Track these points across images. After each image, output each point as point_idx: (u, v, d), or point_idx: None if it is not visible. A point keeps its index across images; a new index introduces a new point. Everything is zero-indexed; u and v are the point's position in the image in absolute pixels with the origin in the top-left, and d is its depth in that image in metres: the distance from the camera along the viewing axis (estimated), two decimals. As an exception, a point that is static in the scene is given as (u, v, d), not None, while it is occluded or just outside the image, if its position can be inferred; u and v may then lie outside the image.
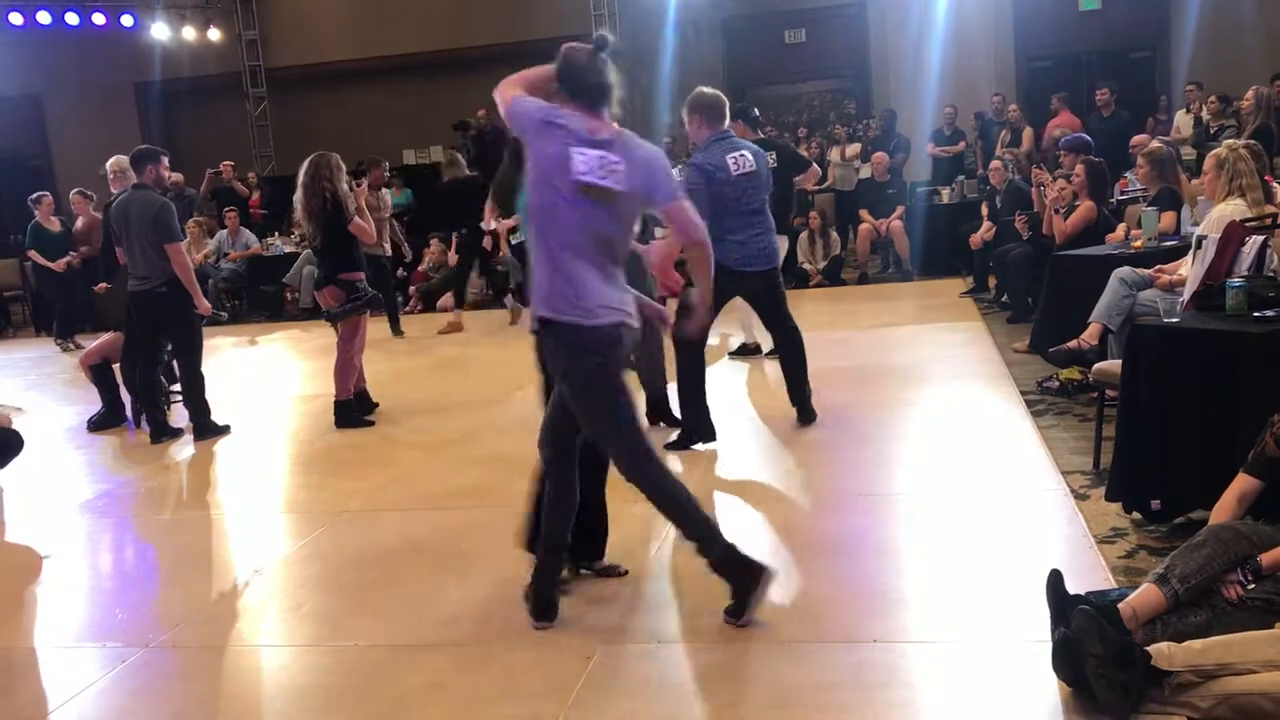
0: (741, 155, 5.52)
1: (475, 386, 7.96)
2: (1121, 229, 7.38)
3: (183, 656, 3.70)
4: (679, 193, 3.41)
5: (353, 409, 6.86)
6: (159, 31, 16.36)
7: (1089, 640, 2.73)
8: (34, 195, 12.08)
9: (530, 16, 15.78)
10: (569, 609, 3.67)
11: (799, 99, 17.00)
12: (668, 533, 4.38)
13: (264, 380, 9.24)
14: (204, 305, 6.79)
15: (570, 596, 3.75)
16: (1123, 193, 9.00)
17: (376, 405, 7.12)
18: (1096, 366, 4.94)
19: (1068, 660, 2.80)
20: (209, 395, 6.90)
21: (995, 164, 10.61)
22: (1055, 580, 2.97)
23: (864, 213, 11.82)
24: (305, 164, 6.66)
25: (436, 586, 3.79)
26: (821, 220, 11.70)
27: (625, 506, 3.86)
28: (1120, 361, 4.27)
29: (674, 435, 5.64)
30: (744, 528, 3.79)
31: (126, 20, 16.26)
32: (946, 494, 4.65)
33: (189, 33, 16.62)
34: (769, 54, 16.22)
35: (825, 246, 11.76)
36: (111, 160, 7.55)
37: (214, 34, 16.83)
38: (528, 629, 3.57)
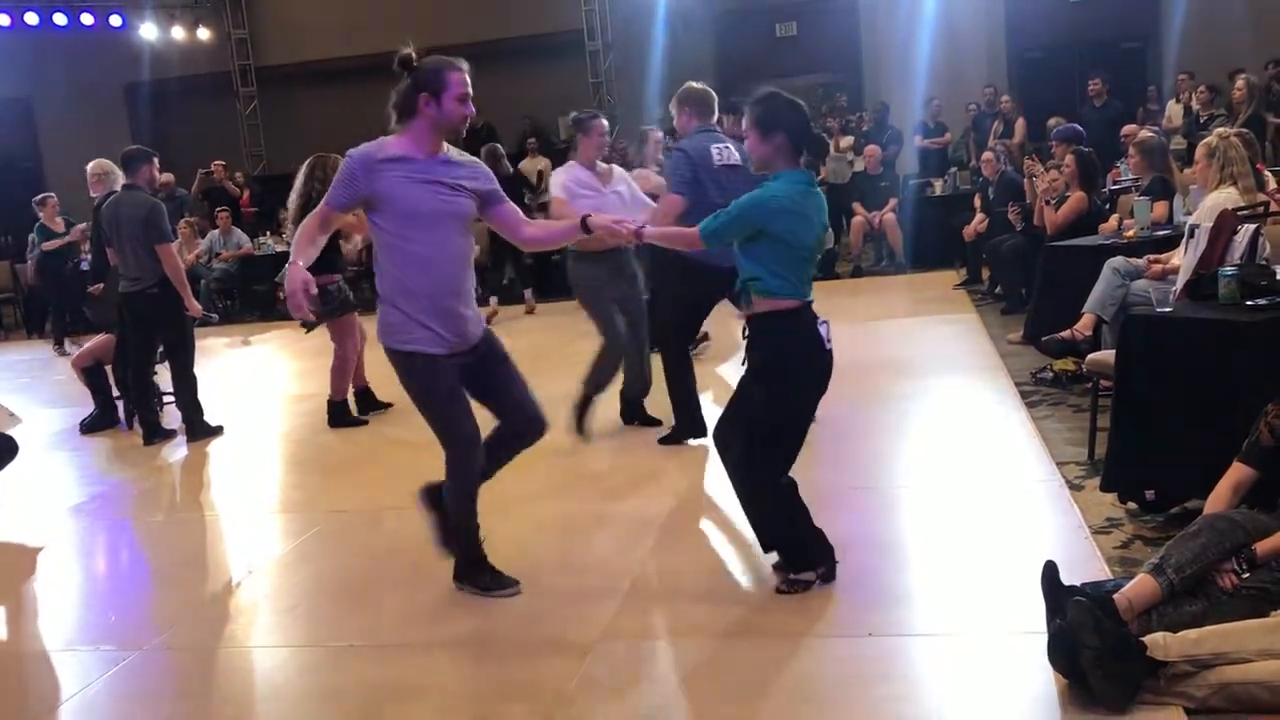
0: (725, 147, 5.38)
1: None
2: (1114, 219, 7.39)
3: (177, 659, 3.69)
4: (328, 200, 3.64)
5: (347, 409, 6.84)
6: (148, 31, 16.28)
7: (1085, 632, 2.72)
8: (38, 197, 11.89)
9: (522, 13, 15.75)
10: (563, 607, 3.66)
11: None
12: (661, 532, 4.38)
13: (257, 380, 9.22)
14: (194, 307, 6.76)
15: (563, 595, 3.74)
16: (1115, 182, 9.01)
17: (388, 405, 6.88)
18: (1090, 357, 4.94)
19: (1063, 652, 2.79)
20: (201, 396, 6.88)
21: (987, 155, 10.58)
22: (1050, 572, 2.96)
23: (857, 206, 11.81)
24: (304, 165, 6.60)
25: (431, 586, 3.77)
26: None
27: (614, 505, 3.86)
28: (1114, 352, 4.27)
29: (665, 431, 5.63)
30: (738, 523, 3.77)
31: (115, 20, 16.18)
32: (941, 486, 4.64)
33: (178, 32, 16.55)
34: (760, 47, 16.15)
35: (818, 240, 11.72)
36: (93, 163, 7.39)
37: (203, 33, 16.76)
38: (522, 627, 3.56)
